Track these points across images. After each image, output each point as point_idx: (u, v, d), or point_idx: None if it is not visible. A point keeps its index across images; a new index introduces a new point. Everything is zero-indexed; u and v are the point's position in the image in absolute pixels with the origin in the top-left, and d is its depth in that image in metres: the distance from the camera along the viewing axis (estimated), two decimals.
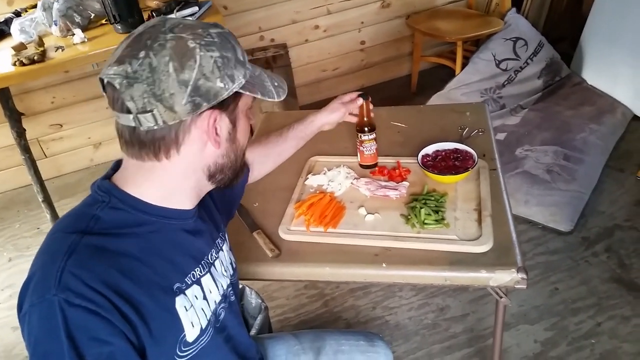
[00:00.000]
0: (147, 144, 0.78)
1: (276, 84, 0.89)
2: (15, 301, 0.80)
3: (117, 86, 0.74)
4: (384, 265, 1.17)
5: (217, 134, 0.81)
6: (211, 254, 0.95)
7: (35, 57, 2.09)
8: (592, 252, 2.16)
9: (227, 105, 0.81)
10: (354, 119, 1.40)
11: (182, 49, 0.75)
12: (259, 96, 0.84)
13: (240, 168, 0.92)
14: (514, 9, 3.17)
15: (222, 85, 0.77)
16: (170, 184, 0.83)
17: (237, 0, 3.00)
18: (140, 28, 0.79)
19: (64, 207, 2.85)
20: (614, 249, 2.16)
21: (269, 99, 0.86)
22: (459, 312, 2.00)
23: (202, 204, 0.94)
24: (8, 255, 2.66)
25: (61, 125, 3.06)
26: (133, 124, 0.76)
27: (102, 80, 0.77)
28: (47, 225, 2.73)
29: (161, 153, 0.79)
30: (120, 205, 0.81)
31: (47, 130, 3.04)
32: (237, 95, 0.82)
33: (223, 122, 0.82)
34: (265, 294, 2.16)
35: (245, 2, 3.03)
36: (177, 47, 0.75)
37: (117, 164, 0.87)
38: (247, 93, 0.83)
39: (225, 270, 0.99)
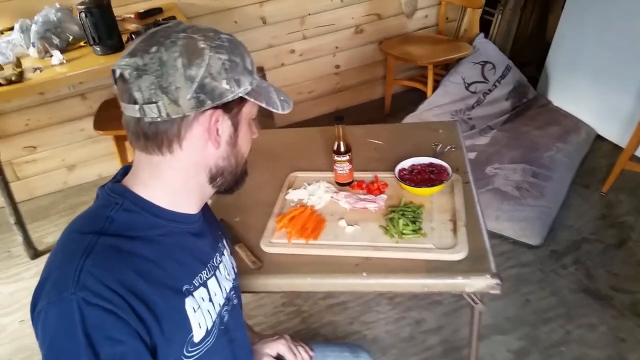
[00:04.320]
0: (151, 137, 0.81)
1: (282, 98, 0.91)
2: None
3: (127, 76, 0.78)
4: (364, 274, 1.21)
5: (217, 134, 0.84)
6: (215, 258, 0.98)
7: (13, 78, 2.10)
8: (561, 264, 2.25)
9: (230, 108, 0.84)
10: None
11: (192, 47, 0.79)
12: (263, 104, 0.87)
13: (240, 175, 0.94)
14: (482, 34, 3.31)
15: (227, 87, 0.80)
16: (176, 182, 0.86)
17: (214, 24, 3.04)
18: (157, 28, 0.84)
19: (36, 230, 2.81)
20: (582, 261, 2.25)
21: (274, 110, 0.88)
22: (434, 325, 2.04)
23: (204, 210, 0.96)
24: None
25: (35, 148, 3.03)
26: (138, 115, 0.79)
27: (114, 72, 0.81)
28: (18, 249, 2.68)
29: (164, 147, 0.82)
30: (133, 208, 0.83)
31: (20, 152, 3.00)
32: (241, 101, 0.85)
33: (225, 124, 0.85)
34: (243, 312, 2.16)
35: (222, 27, 3.07)
36: (188, 46, 0.78)
37: (125, 170, 0.90)
38: (252, 100, 0.85)
39: (228, 274, 1.01)
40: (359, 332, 2.06)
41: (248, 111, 0.88)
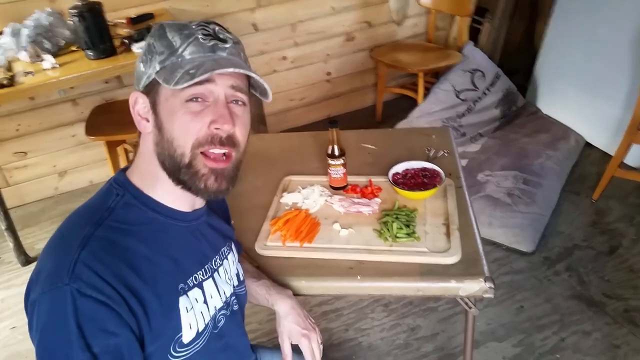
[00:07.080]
0: None
1: (192, 71, 0.79)
2: None
3: None
4: (358, 277, 1.21)
5: (140, 116, 0.86)
6: (215, 260, 0.97)
7: (5, 82, 2.08)
8: (554, 271, 2.25)
9: (149, 90, 0.85)
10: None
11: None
12: (162, 83, 0.82)
13: (186, 167, 0.83)
14: (471, 43, 3.33)
15: (143, 69, 0.85)
16: (142, 166, 0.88)
17: None
18: None
19: (27, 236, 2.77)
20: (574, 267, 2.26)
21: (170, 86, 0.80)
22: (430, 332, 2.04)
23: (211, 212, 0.97)
24: None
25: (25, 153, 3.00)
26: None
27: None
28: (8, 255, 2.64)
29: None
30: (133, 201, 0.84)
31: (10, 158, 2.97)
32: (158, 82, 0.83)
33: (141, 105, 0.86)
34: None
35: None
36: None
37: None
38: (158, 79, 0.82)
39: (229, 279, 1.00)
40: (354, 339, 2.05)
41: (169, 92, 0.82)
